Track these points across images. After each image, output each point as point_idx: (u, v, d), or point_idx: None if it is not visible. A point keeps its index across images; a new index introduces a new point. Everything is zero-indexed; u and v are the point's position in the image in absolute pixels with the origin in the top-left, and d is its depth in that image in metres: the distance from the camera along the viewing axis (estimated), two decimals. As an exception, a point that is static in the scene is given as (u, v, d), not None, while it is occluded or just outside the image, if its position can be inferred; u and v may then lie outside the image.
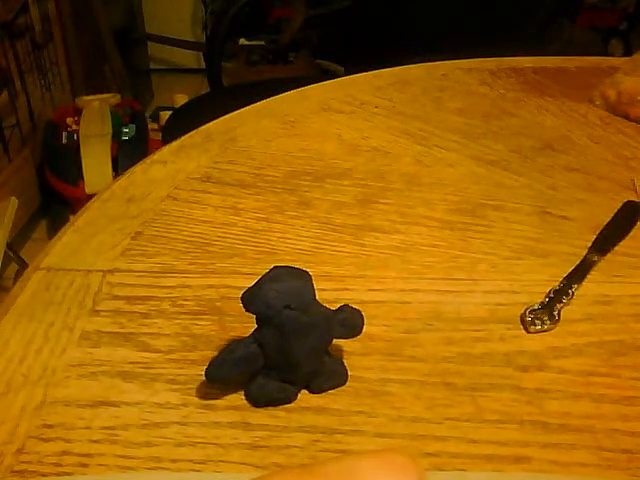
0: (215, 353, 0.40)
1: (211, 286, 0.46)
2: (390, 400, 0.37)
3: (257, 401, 0.37)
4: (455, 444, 0.35)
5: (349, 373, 0.39)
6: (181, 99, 2.27)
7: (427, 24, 1.53)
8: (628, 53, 1.90)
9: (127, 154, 1.78)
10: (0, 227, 1.40)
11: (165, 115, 2.10)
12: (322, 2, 2.37)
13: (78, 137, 1.79)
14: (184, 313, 0.44)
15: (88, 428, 0.35)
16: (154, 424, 0.35)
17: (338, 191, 0.59)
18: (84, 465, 0.33)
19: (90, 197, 0.58)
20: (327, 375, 0.38)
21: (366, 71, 0.86)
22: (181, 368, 0.39)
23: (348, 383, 0.38)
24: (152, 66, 2.90)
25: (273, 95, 0.78)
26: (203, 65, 3.06)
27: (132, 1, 2.66)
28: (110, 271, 0.47)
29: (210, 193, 0.58)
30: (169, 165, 0.63)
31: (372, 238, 0.52)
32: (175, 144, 0.67)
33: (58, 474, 0.32)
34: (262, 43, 2.59)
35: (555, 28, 1.92)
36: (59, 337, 0.41)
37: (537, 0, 1.57)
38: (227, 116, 0.75)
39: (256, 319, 0.36)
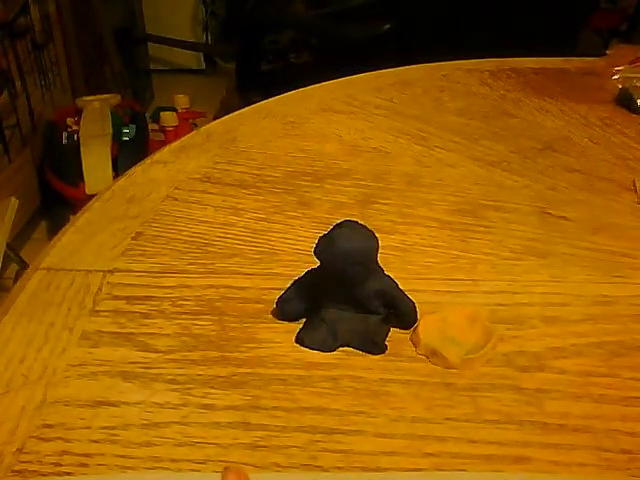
0: (215, 353, 0.40)
1: (211, 286, 0.46)
2: (390, 400, 0.37)
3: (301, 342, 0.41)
4: (455, 444, 0.35)
5: (349, 373, 0.39)
6: (181, 99, 2.26)
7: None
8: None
9: (127, 154, 1.78)
10: (0, 227, 1.40)
11: (165, 115, 2.09)
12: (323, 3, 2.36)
13: (78, 137, 1.79)
14: (184, 313, 0.44)
15: (88, 428, 0.35)
16: (154, 424, 0.35)
17: (338, 191, 0.59)
18: (84, 465, 0.33)
19: (90, 197, 0.58)
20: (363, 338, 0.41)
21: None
22: (181, 368, 0.39)
23: (348, 383, 0.39)
24: (152, 66, 2.91)
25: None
26: (203, 65, 3.07)
27: (132, 1, 2.67)
28: (110, 271, 0.47)
29: (210, 193, 0.58)
30: (169, 165, 0.63)
31: (372, 238, 0.52)
32: (175, 144, 0.67)
33: (58, 474, 0.32)
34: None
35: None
36: (59, 337, 0.41)
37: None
38: (227, 116, 0.75)
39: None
